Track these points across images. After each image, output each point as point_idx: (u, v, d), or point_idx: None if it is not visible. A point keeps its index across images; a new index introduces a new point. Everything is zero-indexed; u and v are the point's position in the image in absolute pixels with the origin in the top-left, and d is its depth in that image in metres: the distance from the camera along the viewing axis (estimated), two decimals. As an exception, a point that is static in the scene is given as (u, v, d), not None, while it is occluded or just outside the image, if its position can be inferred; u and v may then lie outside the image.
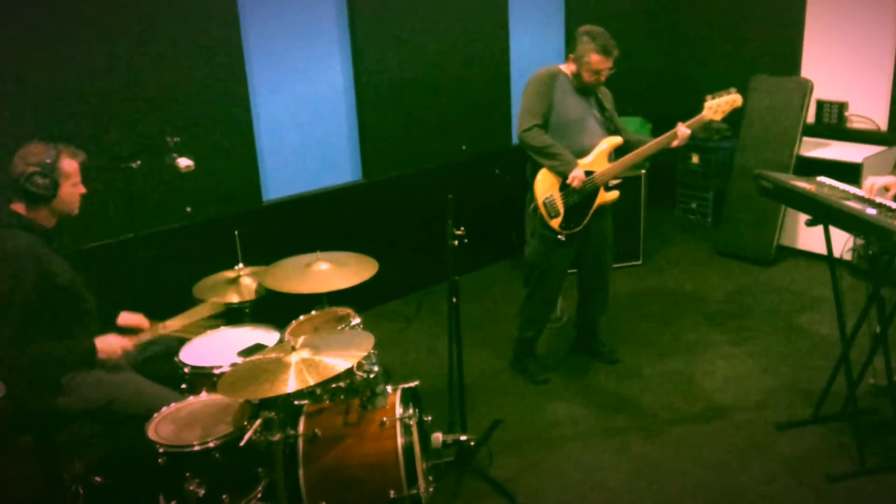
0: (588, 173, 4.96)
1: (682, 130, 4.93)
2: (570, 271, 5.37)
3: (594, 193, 5.03)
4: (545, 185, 4.97)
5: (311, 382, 3.30)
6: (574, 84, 5.04)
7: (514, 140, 6.87)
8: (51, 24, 4.75)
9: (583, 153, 5.02)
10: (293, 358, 3.42)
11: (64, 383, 3.77)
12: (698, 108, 4.97)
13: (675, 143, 4.97)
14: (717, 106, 4.94)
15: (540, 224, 5.04)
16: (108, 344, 3.86)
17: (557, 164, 4.92)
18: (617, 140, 5.10)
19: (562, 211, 4.98)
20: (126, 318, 4.27)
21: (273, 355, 3.54)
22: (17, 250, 3.61)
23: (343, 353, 3.51)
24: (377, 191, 6.69)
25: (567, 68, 5.07)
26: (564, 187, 4.96)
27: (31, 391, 3.75)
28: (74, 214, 3.91)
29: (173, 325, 4.22)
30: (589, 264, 5.39)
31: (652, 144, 4.99)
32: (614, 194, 5.14)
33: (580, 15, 7.69)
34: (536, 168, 5.00)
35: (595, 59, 4.89)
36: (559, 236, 5.05)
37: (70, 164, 3.77)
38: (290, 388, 3.24)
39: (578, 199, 4.98)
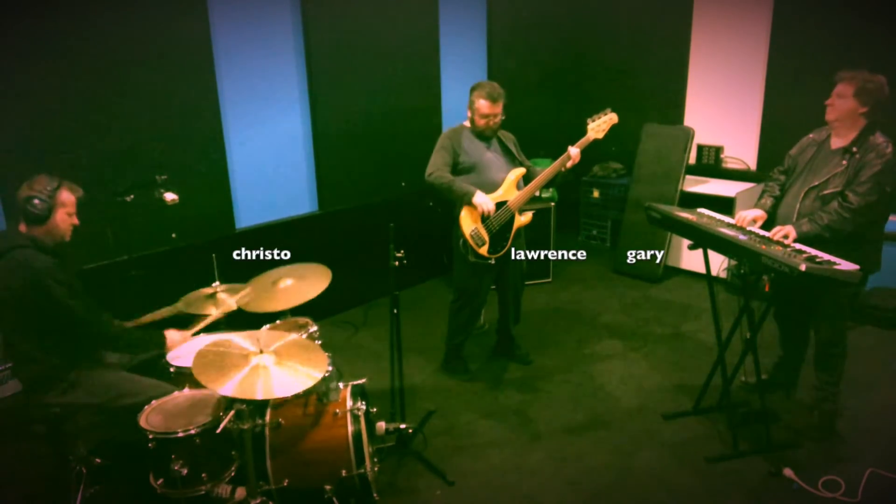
0: (502, 203, 4.99)
1: (573, 151, 4.93)
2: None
3: (511, 219, 5.05)
4: (468, 221, 4.96)
5: (276, 395, 3.31)
6: (474, 132, 5.10)
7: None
8: (66, 81, 4.85)
9: (494, 185, 5.03)
10: (259, 360, 3.43)
11: (72, 380, 3.77)
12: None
13: (569, 164, 4.97)
14: (598, 126, 4.96)
15: (471, 254, 5.01)
16: (173, 336, 4.10)
17: (461, 194, 4.91)
18: (520, 171, 5.11)
19: (487, 239, 4.98)
20: None
21: (241, 351, 3.52)
22: (47, 265, 3.62)
23: (301, 373, 3.44)
24: (331, 220, 6.71)
25: (468, 122, 5.15)
26: (485, 219, 4.97)
27: (44, 388, 3.75)
28: (66, 241, 3.88)
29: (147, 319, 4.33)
30: (507, 284, 5.44)
31: (551, 168, 4.98)
32: (528, 217, 5.16)
33: (500, 74, 7.73)
34: (459, 208, 5.01)
35: (482, 104, 4.95)
36: (490, 261, 5.06)
37: (67, 197, 3.78)
38: (257, 395, 3.24)
39: (499, 227, 4.99)
